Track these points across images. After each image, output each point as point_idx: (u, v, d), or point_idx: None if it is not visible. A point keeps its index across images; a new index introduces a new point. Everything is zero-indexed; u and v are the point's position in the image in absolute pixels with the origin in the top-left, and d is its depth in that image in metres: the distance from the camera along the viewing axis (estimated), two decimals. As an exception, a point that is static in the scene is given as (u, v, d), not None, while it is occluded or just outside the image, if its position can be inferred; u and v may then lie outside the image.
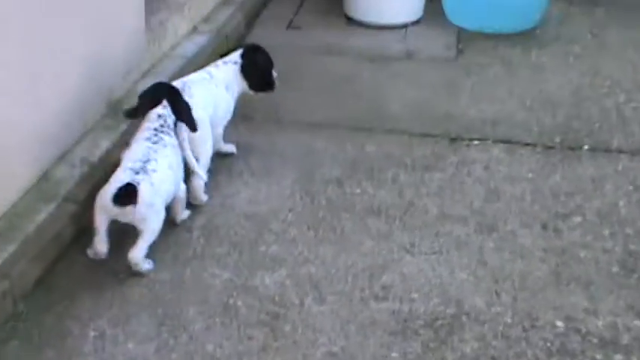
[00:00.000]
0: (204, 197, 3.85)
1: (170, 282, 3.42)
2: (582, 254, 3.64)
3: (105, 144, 3.98)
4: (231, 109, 4.15)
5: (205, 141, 3.86)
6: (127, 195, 3.32)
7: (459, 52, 5.67)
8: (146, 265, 3.43)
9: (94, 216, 3.41)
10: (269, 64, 4.30)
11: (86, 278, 3.41)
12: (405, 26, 6.04)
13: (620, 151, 4.47)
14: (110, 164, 3.82)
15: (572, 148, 4.49)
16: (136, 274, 3.42)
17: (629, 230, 3.81)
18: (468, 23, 6.02)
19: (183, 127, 3.68)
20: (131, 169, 3.41)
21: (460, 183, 4.14)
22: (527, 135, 4.61)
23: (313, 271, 3.51)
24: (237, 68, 4.20)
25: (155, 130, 3.59)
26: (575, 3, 6.61)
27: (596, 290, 3.41)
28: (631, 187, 4.14)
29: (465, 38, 5.88)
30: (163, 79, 4.45)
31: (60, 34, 3.72)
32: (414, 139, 4.53)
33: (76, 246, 3.55)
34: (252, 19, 5.96)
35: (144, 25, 4.55)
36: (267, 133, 4.44)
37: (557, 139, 4.57)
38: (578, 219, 3.89)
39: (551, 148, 4.50)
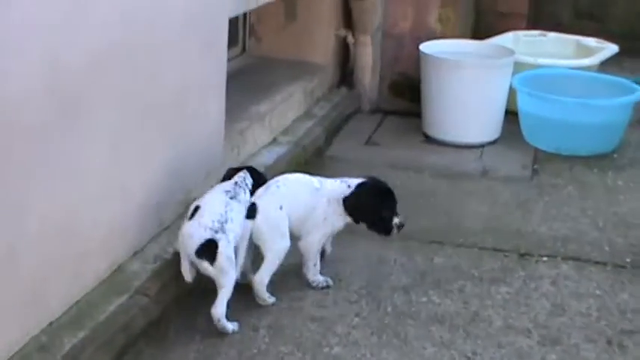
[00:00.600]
0: (267, 297, 3.94)
1: (233, 377, 3.48)
2: (646, 371, 3.61)
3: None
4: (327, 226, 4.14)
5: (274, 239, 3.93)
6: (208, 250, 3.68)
7: (534, 172, 5.74)
8: (230, 325, 3.69)
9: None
10: (378, 204, 4.10)
11: (156, 369, 3.50)
12: (481, 146, 6.13)
13: (692, 273, 4.44)
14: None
15: (642, 269, 4.48)
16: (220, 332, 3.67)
17: (696, 348, 3.77)
18: (545, 145, 6.10)
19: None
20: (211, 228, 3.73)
21: (526, 297, 4.17)
22: (598, 254, 4.63)
23: (374, 374, 3.54)
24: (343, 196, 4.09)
25: (235, 183, 3.94)
26: (655, 129, 6.64)
27: (658, 406, 3.37)
28: (701, 309, 4.10)
29: (541, 159, 5.95)
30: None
31: (149, 139, 3.95)
32: (483, 253, 4.58)
33: (145, 338, 3.64)
34: (332, 133, 6.13)
35: (223, 133, 4.74)
36: (339, 242, 4.52)
37: (628, 259, 4.58)
38: (643, 336, 3.86)
39: (621, 267, 4.50)
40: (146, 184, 3.99)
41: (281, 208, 3.93)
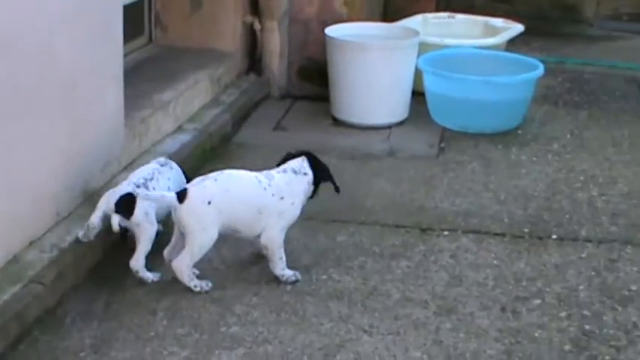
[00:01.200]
0: (188, 282, 3.96)
1: (129, 359, 3.49)
2: (537, 334, 3.70)
3: (76, 231, 4.09)
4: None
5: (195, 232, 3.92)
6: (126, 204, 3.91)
7: (441, 150, 5.82)
8: (150, 275, 3.97)
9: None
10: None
11: (48, 356, 3.48)
12: (389, 127, 6.19)
13: (587, 240, 4.56)
14: (80, 250, 3.95)
15: (540, 238, 4.58)
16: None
17: (586, 312, 3.88)
18: (452, 123, 6.19)
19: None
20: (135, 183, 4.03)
21: (425, 270, 4.23)
22: (498, 226, 4.71)
23: (270, 350, 3.58)
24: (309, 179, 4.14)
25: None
26: (561, 105, 6.82)
27: (547, 367, 3.45)
28: (593, 273, 4.21)
29: (447, 137, 6.03)
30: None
31: (37, 127, 3.92)
32: (385, 230, 4.64)
33: (40, 326, 3.63)
34: (240, 120, 6.14)
35: (123, 121, 4.72)
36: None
37: (526, 230, 4.66)
38: (537, 302, 3.96)
39: (519, 237, 4.59)
40: (39, 173, 3.96)
41: (209, 203, 3.86)
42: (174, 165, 4.33)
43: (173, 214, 3.94)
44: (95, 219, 4.00)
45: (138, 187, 4.02)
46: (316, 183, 4.14)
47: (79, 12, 4.17)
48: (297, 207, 4.10)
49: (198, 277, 3.99)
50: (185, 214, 3.87)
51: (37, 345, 3.57)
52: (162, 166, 4.25)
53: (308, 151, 4.25)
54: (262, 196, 4.01)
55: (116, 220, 3.94)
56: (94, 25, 4.34)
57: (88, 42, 4.29)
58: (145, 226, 4.00)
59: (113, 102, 4.63)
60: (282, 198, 4.04)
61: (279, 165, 4.16)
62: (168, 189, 4.10)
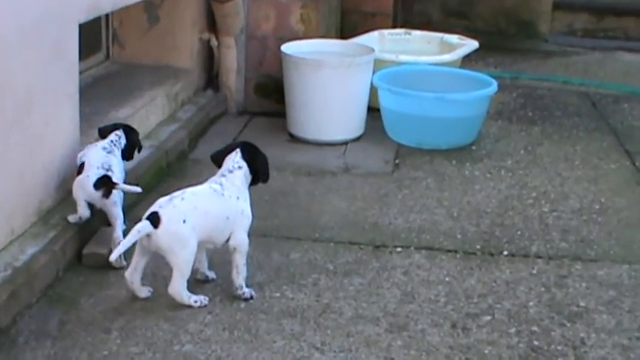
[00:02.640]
0: (192, 302, 4.04)
1: (81, 379, 3.50)
2: (487, 351, 3.76)
3: (31, 250, 4.10)
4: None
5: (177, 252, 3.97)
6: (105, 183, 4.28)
7: (396, 166, 5.88)
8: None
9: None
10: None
11: (-1, 375, 3.49)
12: (345, 143, 6.24)
13: (538, 256, 4.63)
14: (35, 269, 3.96)
15: (491, 254, 4.65)
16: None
17: (535, 328, 3.94)
18: (407, 140, 6.26)
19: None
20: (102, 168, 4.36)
21: (378, 287, 4.28)
22: (450, 242, 4.77)
23: (223, 369, 3.60)
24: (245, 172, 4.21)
25: (111, 141, 4.58)
26: (514, 122, 6.91)
27: (495, 384, 3.51)
28: (543, 289, 4.28)
29: (403, 154, 6.10)
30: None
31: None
32: (339, 247, 4.69)
33: (-7, 346, 3.64)
34: (197, 136, 6.18)
35: (78, 140, 4.73)
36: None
37: (478, 246, 4.73)
38: (487, 318, 4.02)
39: (471, 254, 4.65)
40: (-9, 191, 3.97)
41: (184, 221, 3.91)
42: (116, 150, 4.59)
43: (145, 240, 3.92)
44: (84, 210, 4.36)
45: (107, 170, 4.35)
46: (253, 173, 4.23)
47: (34, 33, 4.18)
48: (247, 202, 4.18)
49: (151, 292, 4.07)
50: (164, 237, 3.89)
51: (-11, 365, 3.56)
52: (108, 153, 4.52)
53: (242, 141, 4.39)
54: (225, 202, 4.07)
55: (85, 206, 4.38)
56: (49, 44, 4.35)
57: (43, 62, 4.30)
58: (117, 202, 4.39)
59: (69, 120, 4.65)
60: (237, 198, 4.12)
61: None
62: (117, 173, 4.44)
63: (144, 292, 4.06)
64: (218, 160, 4.28)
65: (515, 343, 3.83)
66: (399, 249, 4.68)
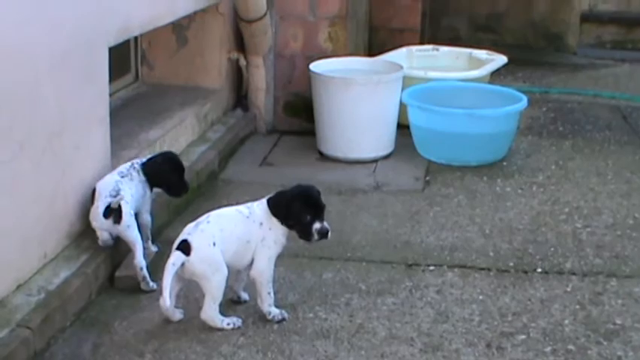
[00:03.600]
0: (225, 325, 4.08)
1: (116, 403, 3.50)
2: (522, 370, 3.72)
3: (64, 274, 4.12)
4: None
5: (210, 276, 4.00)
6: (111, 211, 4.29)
7: (426, 183, 5.86)
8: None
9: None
10: (297, 206, 4.11)
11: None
12: (375, 160, 6.23)
13: (572, 273, 4.59)
14: (68, 293, 3.97)
15: (525, 271, 4.61)
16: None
17: (571, 347, 3.90)
18: (437, 156, 6.23)
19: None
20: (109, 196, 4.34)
21: (411, 306, 4.26)
22: (483, 260, 4.74)
23: (257, 391, 3.58)
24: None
25: (131, 165, 4.55)
26: (545, 136, 6.87)
27: (532, 404, 3.48)
28: (578, 307, 4.24)
29: (433, 170, 6.08)
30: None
31: (24, 171, 3.95)
32: (371, 266, 4.67)
33: (28, 371, 3.65)
34: (226, 156, 6.18)
35: (110, 163, 4.75)
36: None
37: (512, 263, 4.70)
38: (522, 337, 3.99)
39: (505, 271, 4.62)
40: (25, 216, 3.99)
41: (214, 244, 3.93)
42: (134, 174, 4.53)
43: (179, 269, 3.93)
44: (103, 236, 4.39)
45: (113, 197, 4.32)
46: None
47: (65, 58, 4.20)
48: (272, 230, 4.10)
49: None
50: (197, 263, 3.91)
51: (24, 390, 3.57)
52: (122, 177, 4.47)
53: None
54: (248, 226, 4.05)
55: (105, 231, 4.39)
56: (80, 70, 4.37)
57: (74, 87, 4.32)
58: (131, 225, 4.34)
59: (100, 143, 4.66)
60: (261, 224, 4.07)
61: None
62: (132, 197, 4.41)
63: (177, 315, 4.06)
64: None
65: (551, 362, 3.78)
66: (431, 267, 4.65)
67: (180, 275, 3.97)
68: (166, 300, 3.88)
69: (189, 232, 3.98)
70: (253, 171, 6.08)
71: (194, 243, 3.91)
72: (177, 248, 3.95)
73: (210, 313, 4.00)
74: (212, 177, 5.84)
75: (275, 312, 4.10)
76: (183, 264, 3.92)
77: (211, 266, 3.92)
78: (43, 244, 4.16)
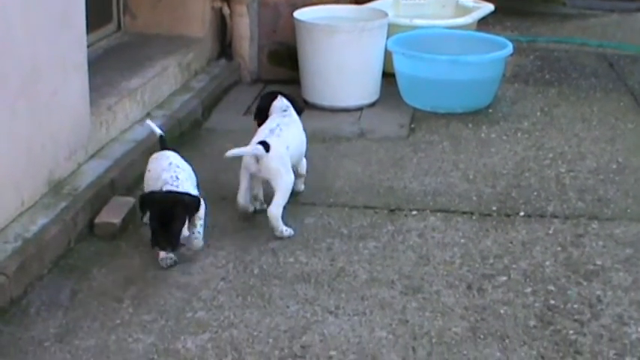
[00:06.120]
0: (284, 230, 4.36)
1: (94, 347, 3.50)
2: (502, 311, 3.71)
3: (41, 221, 4.08)
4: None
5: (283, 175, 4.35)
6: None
7: (411, 130, 5.81)
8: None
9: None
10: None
11: (11, 347, 3.48)
12: (360, 108, 6.18)
13: (554, 216, 4.57)
14: (45, 240, 3.94)
15: (507, 215, 4.59)
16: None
17: (551, 287, 3.89)
18: (422, 104, 6.19)
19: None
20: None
21: (393, 250, 4.23)
22: (466, 204, 4.72)
23: (236, 334, 3.58)
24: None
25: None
26: (531, 84, 6.83)
27: (510, 343, 3.48)
28: (559, 249, 4.22)
29: (418, 118, 6.04)
30: (110, 162, 4.61)
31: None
32: (353, 212, 4.64)
33: (3, 316, 3.63)
34: (211, 105, 6.13)
35: (89, 109, 4.70)
36: (208, 210, 4.52)
37: (494, 207, 4.67)
38: (503, 279, 3.97)
39: (487, 215, 4.59)
40: (1, 163, 3.94)
41: (287, 148, 4.37)
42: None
43: (254, 166, 4.33)
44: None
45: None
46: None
47: (37, 2, 4.13)
48: None
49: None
50: (274, 161, 4.28)
51: (0, 336, 3.55)
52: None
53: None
54: (301, 130, 4.69)
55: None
56: (54, 14, 4.31)
57: (48, 31, 4.26)
58: (279, 169, 4.33)
59: (77, 90, 4.61)
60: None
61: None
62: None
63: (251, 207, 4.52)
64: (263, 112, 4.66)
65: (532, 302, 3.78)
66: (414, 212, 4.63)
67: (254, 172, 4.36)
68: (241, 192, 4.40)
69: (265, 136, 4.34)
70: (237, 120, 6.03)
71: (272, 144, 4.29)
72: (260, 143, 4.29)
73: (276, 211, 4.29)
74: (195, 126, 5.80)
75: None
76: (259, 160, 4.28)
77: (284, 166, 4.31)
78: (20, 191, 4.13)
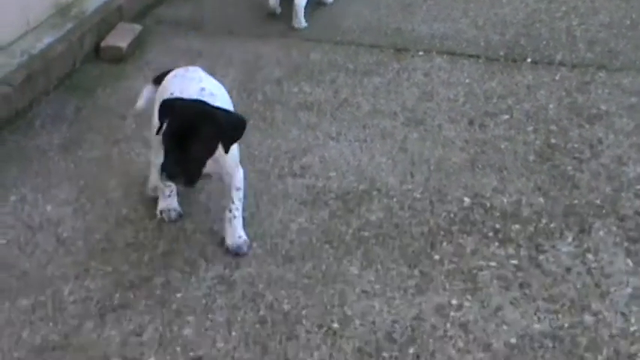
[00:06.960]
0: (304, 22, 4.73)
1: (97, 159, 3.53)
2: (502, 145, 3.73)
3: (47, 40, 4.08)
4: None
5: None
6: None
7: (423, -23, 5.72)
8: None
9: None
10: None
11: (16, 153, 3.52)
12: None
13: (562, 64, 4.55)
14: (51, 57, 3.94)
15: (514, 60, 4.56)
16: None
17: (553, 127, 3.89)
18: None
19: None
20: None
21: (397, 85, 4.23)
22: (473, 49, 4.70)
23: (237, 153, 3.59)
24: None
25: None
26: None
27: (509, 174, 3.50)
28: (564, 93, 4.21)
29: (431, -35, 5.92)
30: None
31: None
32: (360, 49, 4.62)
33: (9, 126, 3.66)
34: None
35: None
36: (217, 41, 4.52)
37: (502, 53, 4.65)
38: (505, 117, 3.97)
39: (494, 60, 4.57)
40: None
41: None
42: None
43: None
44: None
45: None
46: None
47: None
48: None
49: None
50: None
51: (5, 144, 3.59)
52: None
53: None
54: None
55: None
56: None
57: None
58: None
59: None
60: None
61: None
62: None
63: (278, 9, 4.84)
64: None
65: (532, 140, 3.79)
66: (420, 53, 4.61)
67: None
68: None
69: None
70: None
71: None
72: None
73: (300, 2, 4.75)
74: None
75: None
76: None
77: None
78: (26, 11, 4.11)
